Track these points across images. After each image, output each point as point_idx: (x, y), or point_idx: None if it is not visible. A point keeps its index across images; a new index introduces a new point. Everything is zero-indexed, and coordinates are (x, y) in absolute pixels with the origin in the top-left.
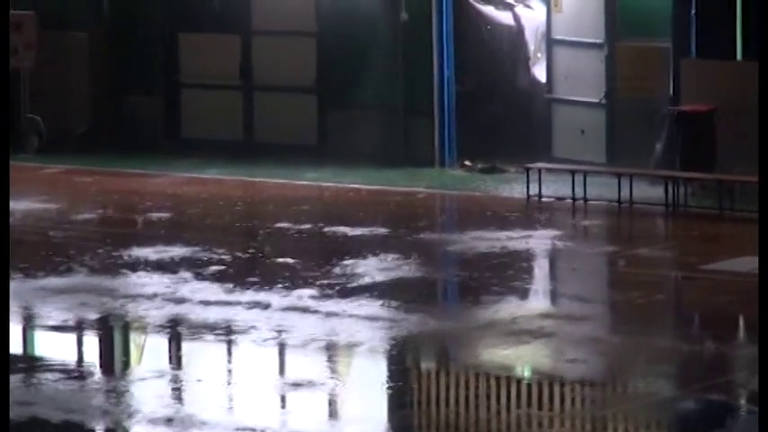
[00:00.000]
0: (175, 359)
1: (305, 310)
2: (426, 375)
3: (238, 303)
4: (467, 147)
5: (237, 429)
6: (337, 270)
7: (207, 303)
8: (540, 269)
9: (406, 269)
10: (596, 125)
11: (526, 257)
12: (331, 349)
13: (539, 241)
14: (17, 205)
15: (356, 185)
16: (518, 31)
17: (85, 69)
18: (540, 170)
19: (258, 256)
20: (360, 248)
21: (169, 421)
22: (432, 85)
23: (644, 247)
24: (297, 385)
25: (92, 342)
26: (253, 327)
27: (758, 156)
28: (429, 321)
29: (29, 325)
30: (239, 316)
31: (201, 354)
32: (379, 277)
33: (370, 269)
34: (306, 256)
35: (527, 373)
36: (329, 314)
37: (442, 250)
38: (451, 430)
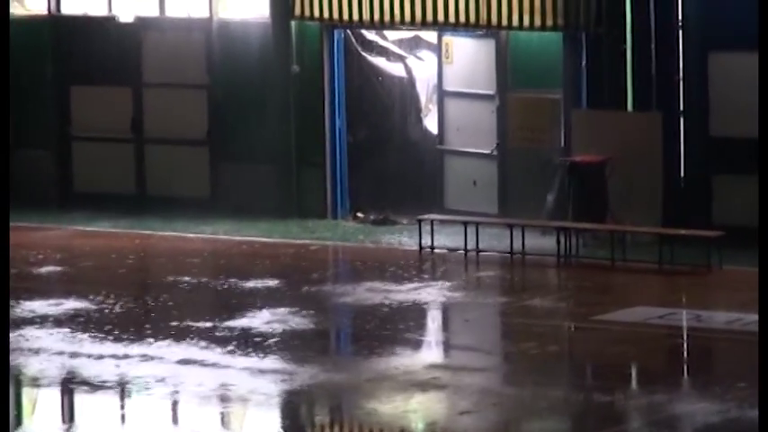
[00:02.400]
0: (68, 414)
1: (197, 362)
2: (320, 428)
3: (131, 356)
4: (359, 198)
5: None
6: (230, 323)
7: (99, 357)
8: (433, 320)
9: (299, 321)
10: (488, 176)
11: (419, 309)
12: (224, 402)
13: (431, 292)
14: None
15: (249, 238)
16: (409, 82)
17: None
18: (432, 222)
19: (151, 309)
20: (252, 301)
21: None
22: (323, 136)
23: (537, 298)
24: None
25: None
26: (145, 380)
27: (758, 156)
28: (322, 373)
29: None
30: (132, 369)
31: (94, 408)
32: (272, 329)
33: (263, 321)
34: (198, 308)
35: (420, 425)
36: (222, 366)
37: (335, 302)
38: None
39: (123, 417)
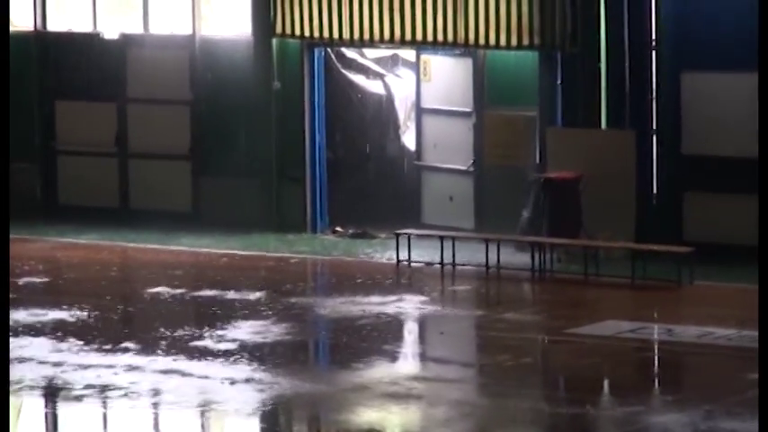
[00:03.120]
0: (51, 422)
1: (178, 372)
2: None
3: (114, 366)
4: (338, 213)
5: None
6: (210, 333)
7: (83, 366)
8: (410, 333)
9: (278, 332)
10: (464, 192)
11: (396, 321)
12: (204, 412)
13: (408, 306)
14: None
15: (230, 251)
16: (388, 99)
17: None
18: (409, 236)
19: (133, 319)
20: (233, 312)
21: None
22: (303, 152)
23: (511, 312)
24: None
25: None
26: (127, 389)
27: (758, 157)
28: (300, 384)
29: None
30: (114, 378)
31: (77, 416)
32: (252, 340)
33: (243, 333)
34: (180, 319)
35: None
36: (202, 377)
37: (314, 314)
38: None
39: (105, 425)
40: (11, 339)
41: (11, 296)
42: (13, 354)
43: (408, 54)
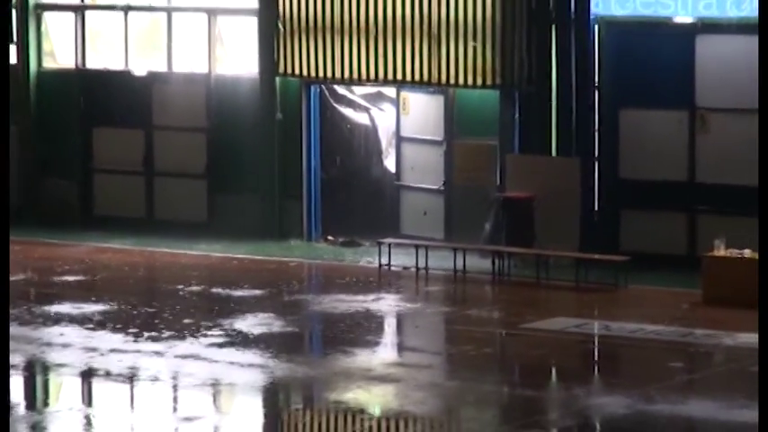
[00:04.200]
0: (86, 397)
1: (194, 357)
2: (294, 412)
3: (140, 351)
4: (329, 224)
5: None
6: (221, 324)
7: (114, 351)
8: (389, 326)
9: (278, 324)
10: (436, 208)
11: (377, 316)
12: (215, 390)
13: (388, 303)
14: None
15: (239, 255)
16: (373, 129)
17: (13, 156)
18: (389, 244)
19: (156, 312)
20: (240, 307)
21: None
22: (301, 173)
23: (474, 309)
24: (187, 419)
25: (17, 382)
26: (152, 371)
27: (758, 158)
28: (296, 368)
29: None
30: (141, 362)
31: (109, 393)
32: (256, 331)
33: (249, 324)
34: (195, 312)
35: (377, 411)
36: (215, 361)
37: (308, 309)
38: None
39: (132, 400)
40: (54, 328)
41: (53, 291)
42: (55, 341)
43: (390, 91)
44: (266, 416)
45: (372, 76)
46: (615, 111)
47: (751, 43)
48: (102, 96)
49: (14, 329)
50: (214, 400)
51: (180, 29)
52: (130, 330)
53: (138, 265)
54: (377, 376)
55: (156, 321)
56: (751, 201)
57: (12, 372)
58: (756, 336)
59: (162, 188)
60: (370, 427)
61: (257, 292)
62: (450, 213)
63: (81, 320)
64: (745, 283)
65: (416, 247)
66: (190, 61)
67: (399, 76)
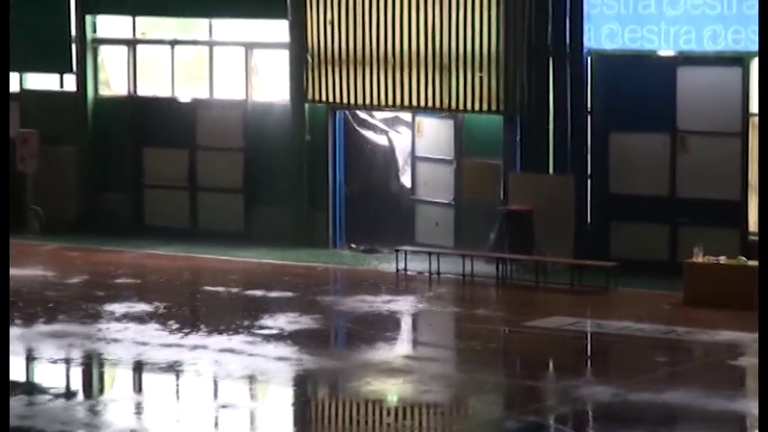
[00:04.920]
0: (137, 387)
1: (232, 351)
2: (321, 399)
3: (184, 346)
4: (352, 233)
5: None
6: (256, 322)
7: (162, 345)
8: (405, 324)
9: (307, 322)
10: (447, 219)
11: (394, 315)
12: (251, 379)
13: (404, 304)
14: (23, 272)
15: (271, 261)
16: (390, 149)
17: (73, 173)
18: (405, 252)
19: (199, 310)
20: (273, 306)
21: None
22: (327, 187)
23: (480, 309)
24: (226, 406)
25: (76, 373)
26: (195, 363)
27: (758, 159)
28: (323, 360)
29: (30, 359)
30: (185, 355)
31: (156, 382)
32: (287, 328)
33: (280, 322)
34: (233, 311)
35: (394, 399)
36: (250, 354)
37: (333, 309)
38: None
39: (177, 389)
40: (110, 325)
41: (108, 293)
42: (110, 336)
43: (406, 116)
44: (296, 403)
45: (390, 102)
46: (605, 133)
47: (726, 74)
48: (152, 120)
49: (74, 326)
50: (250, 390)
51: (220, 60)
52: (176, 327)
53: (182, 270)
54: (394, 368)
55: (199, 319)
56: (726, 213)
57: (71, 364)
58: (731, 333)
59: (204, 201)
60: (389, 413)
61: (288, 293)
62: (459, 224)
63: (132, 318)
64: (721, 286)
65: (429, 254)
66: (229, 89)
67: (414, 103)
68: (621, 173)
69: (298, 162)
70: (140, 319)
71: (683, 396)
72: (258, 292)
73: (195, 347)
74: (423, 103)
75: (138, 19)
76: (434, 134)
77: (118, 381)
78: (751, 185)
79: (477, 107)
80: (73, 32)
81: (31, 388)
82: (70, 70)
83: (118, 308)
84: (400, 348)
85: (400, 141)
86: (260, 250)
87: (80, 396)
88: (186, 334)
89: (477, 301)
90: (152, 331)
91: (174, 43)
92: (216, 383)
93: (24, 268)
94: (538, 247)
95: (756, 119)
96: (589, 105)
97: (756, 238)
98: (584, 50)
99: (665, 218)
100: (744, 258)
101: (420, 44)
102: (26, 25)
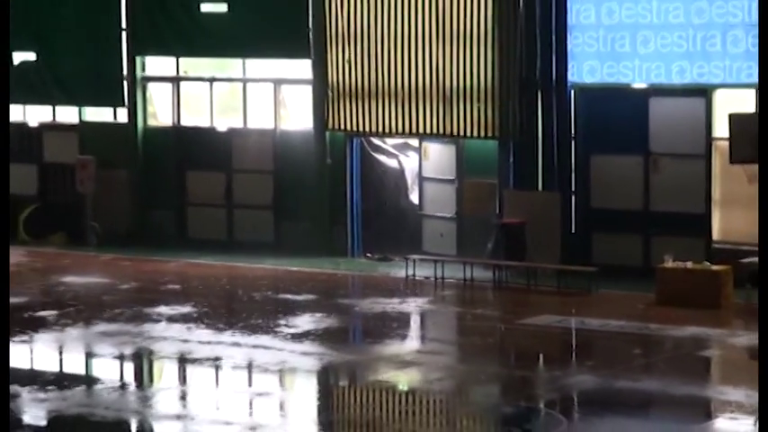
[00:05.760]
0: (182, 378)
1: (264, 347)
2: (342, 388)
3: (222, 342)
4: (368, 244)
5: (220, 422)
6: (285, 321)
7: (202, 342)
8: (414, 322)
9: (329, 321)
10: (450, 231)
11: (405, 315)
12: (281, 371)
13: (413, 305)
14: (83, 279)
15: (298, 268)
16: (400, 171)
17: (126, 194)
18: (414, 259)
19: (235, 312)
20: (299, 308)
21: (178, 417)
22: (346, 204)
23: (480, 309)
24: (259, 394)
25: (129, 366)
26: (232, 357)
27: (758, 159)
28: (343, 354)
29: (89, 355)
30: (223, 350)
31: (199, 374)
32: (311, 326)
33: (306, 321)
34: (265, 312)
35: (405, 387)
36: (280, 349)
37: (352, 310)
38: (360, 413)
39: (217, 379)
40: (157, 325)
41: (156, 297)
42: (158, 334)
43: (414, 141)
44: (320, 391)
45: (400, 129)
46: (587, 156)
47: (691, 104)
48: (193, 147)
49: (126, 326)
50: (280, 379)
51: (252, 95)
52: (215, 326)
53: (220, 276)
54: (405, 360)
55: (235, 319)
56: (692, 224)
57: (124, 359)
58: (697, 329)
59: (239, 217)
60: (401, 400)
61: (312, 296)
62: (460, 235)
63: (177, 319)
64: (689, 288)
65: (435, 261)
66: (260, 120)
67: (421, 130)
68: (601, 190)
69: (320, 182)
70: (184, 319)
71: (655, 383)
72: (286, 296)
73: (232, 344)
74: (428, 131)
75: (181, 60)
76: (438, 157)
77: (165, 373)
78: (714, 200)
79: (475, 134)
80: (125, 72)
81: (89, 380)
82: (122, 104)
83: (164, 310)
84: (410, 343)
85: (409, 164)
86: (287, 259)
87: (132, 386)
88: (224, 332)
89: (477, 302)
90: (194, 330)
91: (212, 80)
92: (250, 374)
93: (84, 276)
94: (529, 254)
95: (719, 143)
96: (573, 131)
97: (719, 245)
98: (568, 84)
99: (640, 229)
100: (708, 263)
101: (425, 79)
102: (84, 66)
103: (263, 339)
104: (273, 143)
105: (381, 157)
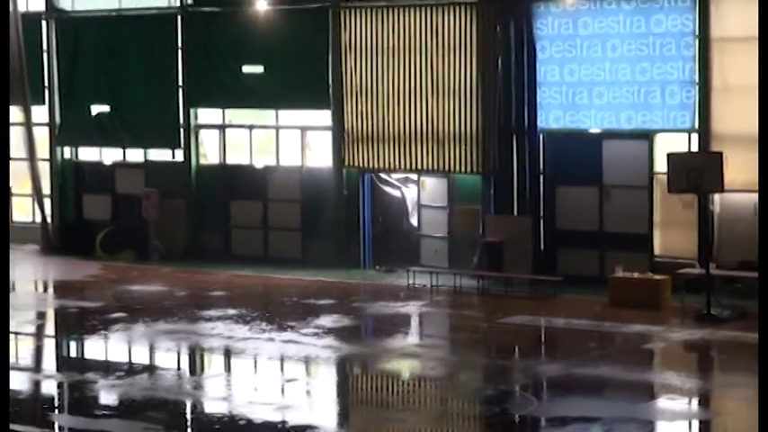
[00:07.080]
0: (227, 367)
1: (293, 342)
2: (356, 375)
3: (259, 338)
4: (377, 258)
5: (258, 403)
6: (309, 322)
7: (243, 338)
8: (414, 322)
9: (345, 321)
10: (443, 248)
11: (406, 316)
12: (305, 361)
13: (413, 308)
14: (147, 288)
15: (320, 279)
16: (403, 200)
17: (182, 219)
18: (414, 271)
19: (269, 314)
20: (320, 311)
21: (224, 398)
22: (359, 227)
23: (467, 311)
24: (289, 380)
25: (184, 358)
26: (267, 350)
27: (758, 160)
28: (356, 348)
29: (151, 349)
30: (260, 345)
31: (241, 364)
32: (330, 325)
33: (326, 321)
34: (293, 314)
35: (407, 374)
36: (305, 344)
37: (363, 312)
38: (371, 395)
39: (255, 368)
40: (207, 324)
41: (206, 302)
42: (206, 331)
43: (414, 176)
44: (339, 378)
45: (403, 166)
46: (553, 187)
47: (636, 145)
48: (236, 181)
49: (182, 326)
50: (306, 368)
51: (284, 139)
52: (253, 325)
53: (257, 285)
54: (407, 352)
55: (269, 320)
56: (638, 242)
57: (180, 352)
58: (643, 326)
59: (273, 237)
60: (404, 384)
61: (331, 301)
62: (451, 251)
63: (223, 319)
64: (635, 293)
65: (430, 272)
66: (289, 159)
67: (419, 167)
68: (564, 214)
69: (338, 209)
70: (228, 319)
71: (609, 370)
72: (310, 301)
73: (267, 340)
74: (425, 167)
75: (227, 111)
76: (434, 189)
77: (213, 363)
78: (655, 222)
79: (463, 170)
80: (181, 120)
81: (152, 369)
82: (179, 147)
83: (212, 312)
84: (410, 339)
85: (410, 194)
86: (312, 271)
87: (186, 374)
88: (261, 330)
89: (465, 305)
90: (237, 328)
91: (251, 127)
92: (282, 364)
93: (148, 285)
94: (506, 267)
95: (659, 176)
96: (542, 168)
97: (660, 259)
98: (538, 129)
99: (596, 246)
100: (651, 274)
101: (423, 126)
102: (149, 116)
103: (292, 336)
104: (300, 177)
105: (387, 189)
